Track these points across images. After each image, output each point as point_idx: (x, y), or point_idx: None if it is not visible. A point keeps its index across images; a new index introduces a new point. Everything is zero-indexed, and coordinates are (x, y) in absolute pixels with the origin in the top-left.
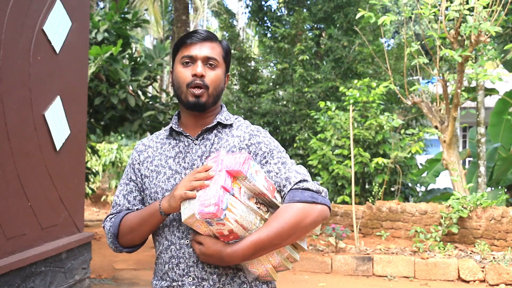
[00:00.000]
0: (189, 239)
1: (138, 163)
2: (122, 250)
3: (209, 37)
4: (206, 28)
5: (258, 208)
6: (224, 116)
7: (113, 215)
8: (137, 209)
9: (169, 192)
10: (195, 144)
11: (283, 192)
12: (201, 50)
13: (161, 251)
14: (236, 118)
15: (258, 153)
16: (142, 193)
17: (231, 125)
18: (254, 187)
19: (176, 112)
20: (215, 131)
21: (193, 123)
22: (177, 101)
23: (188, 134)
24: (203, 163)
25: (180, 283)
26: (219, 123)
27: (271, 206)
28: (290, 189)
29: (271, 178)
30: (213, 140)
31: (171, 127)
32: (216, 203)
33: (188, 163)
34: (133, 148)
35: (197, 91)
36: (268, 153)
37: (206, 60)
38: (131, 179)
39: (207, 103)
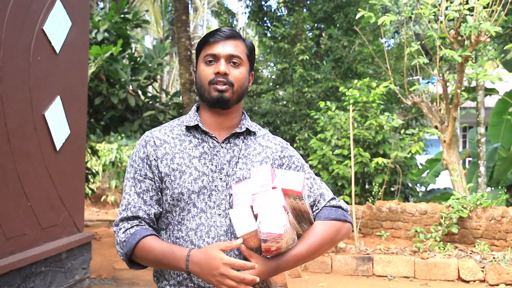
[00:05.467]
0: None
1: (155, 159)
2: (131, 267)
3: (233, 35)
4: (206, 28)
5: (297, 224)
6: (249, 122)
7: (128, 223)
8: (153, 212)
9: (195, 194)
10: (222, 148)
11: (316, 207)
12: (224, 48)
13: None
14: (256, 125)
15: (291, 167)
16: (159, 193)
17: (254, 133)
18: (302, 206)
19: (194, 108)
20: (241, 137)
21: (217, 124)
22: (177, 101)
23: (214, 136)
24: (232, 169)
25: None
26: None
27: (304, 221)
28: (324, 206)
29: None
30: (241, 146)
31: (196, 124)
32: (284, 224)
33: (216, 166)
34: (143, 141)
35: (221, 86)
36: (300, 168)
37: (230, 58)
38: (146, 176)
39: (231, 99)
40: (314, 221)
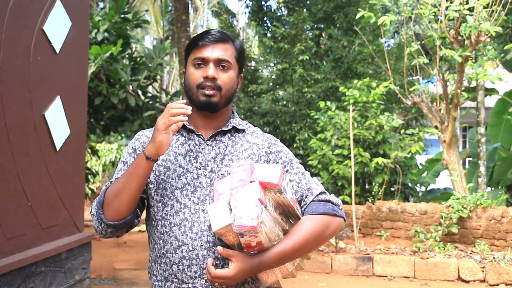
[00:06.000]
0: (203, 240)
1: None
2: (107, 229)
3: (222, 38)
4: (206, 28)
5: (282, 219)
6: (238, 121)
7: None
8: None
9: (178, 190)
10: (207, 145)
11: (304, 202)
12: (213, 52)
13: (168, 251)
14: (246, 124)
15: (278, 162)
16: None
17: (243, 130)
18: (284, 199)
19: None
20: (228, 134)
21: (205, 124)
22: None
23: (199, 134)
24: (217, 165)
25: (190, 285)
26: (233, 127)
27: (292, 216)
28: (312, 200)
29: (292, 188)
30: (227, 143)
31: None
32: (257, 216)
33: (200, 163)
34: (134, 138)
35: (208, 91)
36: (288, 163)
37: (219, 62)
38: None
39: (219, 103)
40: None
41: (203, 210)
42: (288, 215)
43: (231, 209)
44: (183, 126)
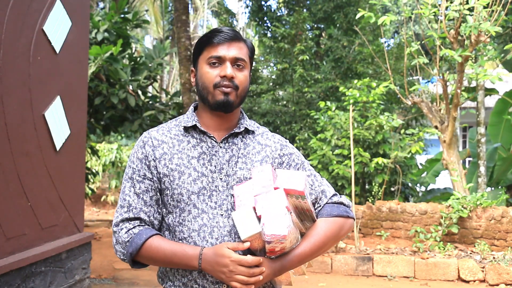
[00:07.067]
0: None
1: (154, 160)
2: (133, 266)
3: (237, 36)
4: (206, 28)
5: (299, 222)
6: (248, 122)
7: (130, 223)
8: (153, 214)
9: (195, 195)
10: (221, 147)
11: (318, 204)
12: (229, 50)
13: None
14: (254, 123)
15: (291, 164)
16: (158, 193)
17: (253, 131)
18: (305, 205)
19: (191, 108)
20: (240, 136)
21: (216, 125)
22: (177, 101)
23: (212, 135)
24: (232, 168)
25: None
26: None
27: (307, 219)
28: (326, 202)
29: None
30: (240, 146)
31: (194, 124)
32: (288, 225)
33: (215, 166)
34: (141, 142)
35: (227, 89)
36: (300, 165)
37: (235, 61)
38: (145, 176)
39: (235, 102)
40: (317, 218)
41: (221, 215)
42: (303, 218)
43: (258, 216)
44: (194, 127)
